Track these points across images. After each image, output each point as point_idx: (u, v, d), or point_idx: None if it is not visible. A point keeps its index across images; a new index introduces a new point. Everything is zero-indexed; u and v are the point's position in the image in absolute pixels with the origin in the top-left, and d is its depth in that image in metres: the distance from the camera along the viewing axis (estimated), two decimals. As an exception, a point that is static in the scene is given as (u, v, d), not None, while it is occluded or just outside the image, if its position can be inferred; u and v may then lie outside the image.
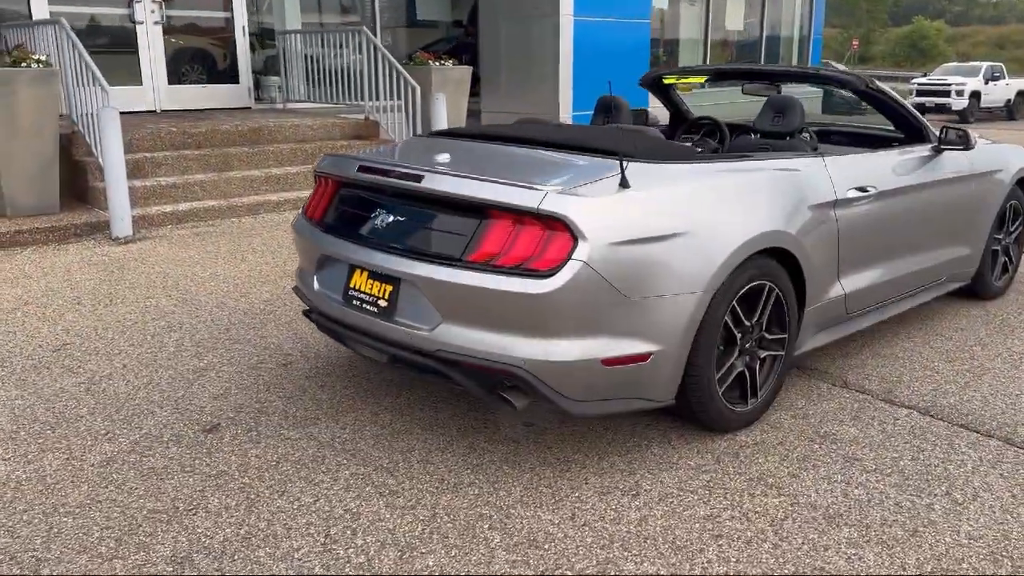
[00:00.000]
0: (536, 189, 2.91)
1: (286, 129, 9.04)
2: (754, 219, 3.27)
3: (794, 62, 19.56)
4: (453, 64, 9.55)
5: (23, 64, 6.90)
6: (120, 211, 6.89)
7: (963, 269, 4.88)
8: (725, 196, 3.24)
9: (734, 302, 3.27)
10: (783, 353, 3.59)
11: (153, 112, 10.12)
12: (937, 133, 4.56)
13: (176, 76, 10.31)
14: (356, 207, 3.44)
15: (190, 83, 10.50)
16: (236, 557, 2.62)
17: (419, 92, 8.97)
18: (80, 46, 7.31)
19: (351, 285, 3.32)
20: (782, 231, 3.38)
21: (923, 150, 4.45)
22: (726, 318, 3.26)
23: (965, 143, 4.41)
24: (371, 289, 3.23)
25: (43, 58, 7.01)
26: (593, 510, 2.88)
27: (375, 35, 12.14)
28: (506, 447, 3.31)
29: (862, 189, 3.89)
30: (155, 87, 10.15)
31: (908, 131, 4.61)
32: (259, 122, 9.09)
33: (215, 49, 10.72)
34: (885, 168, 4.10)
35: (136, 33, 9.96)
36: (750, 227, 3.24)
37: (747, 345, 3.44)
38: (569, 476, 3.10)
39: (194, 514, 2.85)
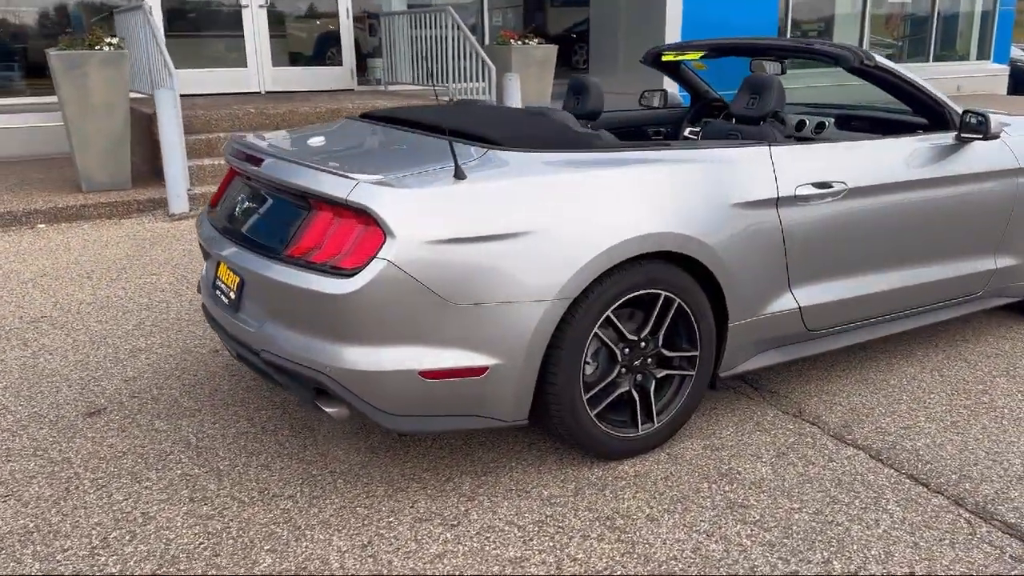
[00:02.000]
0: (348, 178, 2.61)
1: (322, 112, 9.03)
2: (636, 219, 2.81)
3: (975, 41, 17.64)
4: (538, 43, 9.21)
5: (96, 47, 7.22)
6: (176, 188, 7.11)
7: (1013, 283, 4.09)
8: (599, 192, 2.80)
9: (609, 313, 2.83)
10: (693, 373, 3.10)
11: (258, 93, 10.44)
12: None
13: (281, 58, 10.57)
14: (231, 195, 3.27)
15: (294, 65, 10.74)
16: (1, 553, 2.52)
17: (494, 72, 8.71)
18: (158, 29, 7.57)
19: (217, 275, 3.16)
20: (681, 233, 2.89)
21: (941, 139, 3.73)
22: (598, 331, 2.83)
23: (983, 131, 3.65)
24: (227, 281, 3.06)
25: (114, 41, 7.32)
26: (394, 540, 2.58)
27: (485, 14, 11.98)
28: (362, 456, 3.05)
29: (823, 185, 3.29)
30: (260, 69, 10.45)
31: (930, 117, 3.88)
32: (341, 104, 9.15)
33: (319, 31, 10.91)
34: (869, 160, 3.45)
35: (242, 16, 10.27)
36: (627, 228, 2.78)
37: (636, 363, 2.99)
38: (399, 497, 2.80)
39: (4, 501, 2.78)
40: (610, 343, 2.89)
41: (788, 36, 14.73)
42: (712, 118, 4.95)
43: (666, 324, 2.99)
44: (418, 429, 2.70)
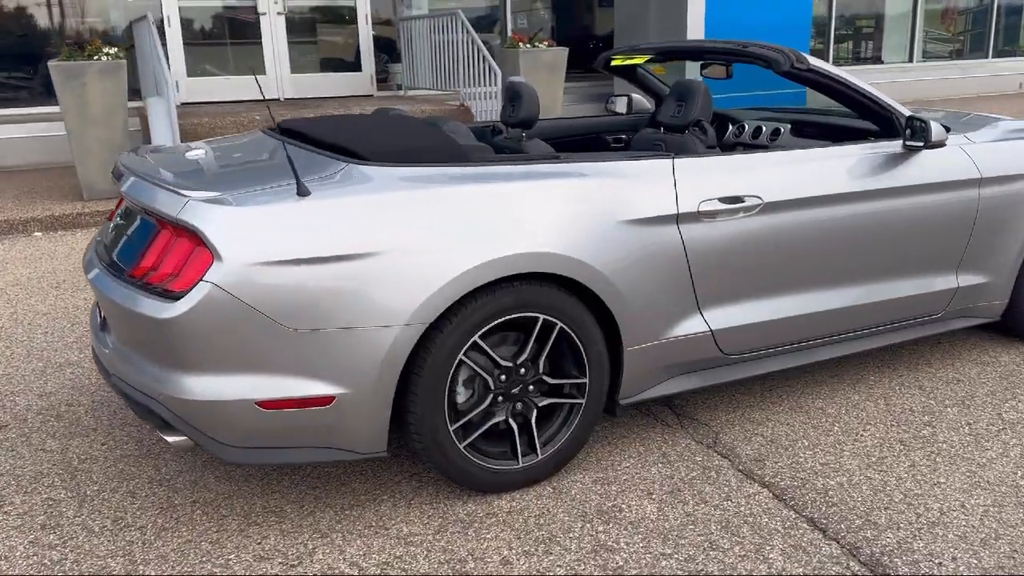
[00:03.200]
0: (181, 195, 2.49)
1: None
2: (504, 238, 2.63)
3: (1039, 35, 16.77)
4: (547, 46, 9.02)
5: (95, 57, 7.30)
6: (169, 197, 7.12)
7: (980, 302, 3.75)
8: (463, 209, 2.62)
9: (476, 338, 2.65)
10: (583, 401, 2.89)
11: (277, 100, 10.49)
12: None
13: (299, 64, 10.59)
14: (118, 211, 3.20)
15: (313, 71, 10.75)
16: None
17: (499, 77, 8.55)
18: (156, 39, 7.62)
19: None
20: (558, 254, 2.69)
21: (886, 147, 3.43)
22: (464, 357, 2.65)
23: (924, 138, 3.34)
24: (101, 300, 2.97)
25: (112, 51, 7.39)
26: (226, 577, 2.44)
27: (507, 16, 11.83)
28: (234, 484, 2.93)
29: (733, 200, 3.05)
30: (278, 76, 10.49)
31: (880, 123, 3.59)
32: (351, 110, 9.10)
33: (338, 37, 10.91)
34: (791, 172, 3.19)
35: (260, 23, 10.32)
36: (493, 247, 2.60)
37: (514, 390, 2.80)
38: (251, 532, 2.67)
39: None
40: (480, 370, 2.70)
41: (833, 35, 14.21)
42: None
43: (547, 350, 2.79)
44: (262, 462, 2.56)
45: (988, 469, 2.94)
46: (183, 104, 9.97)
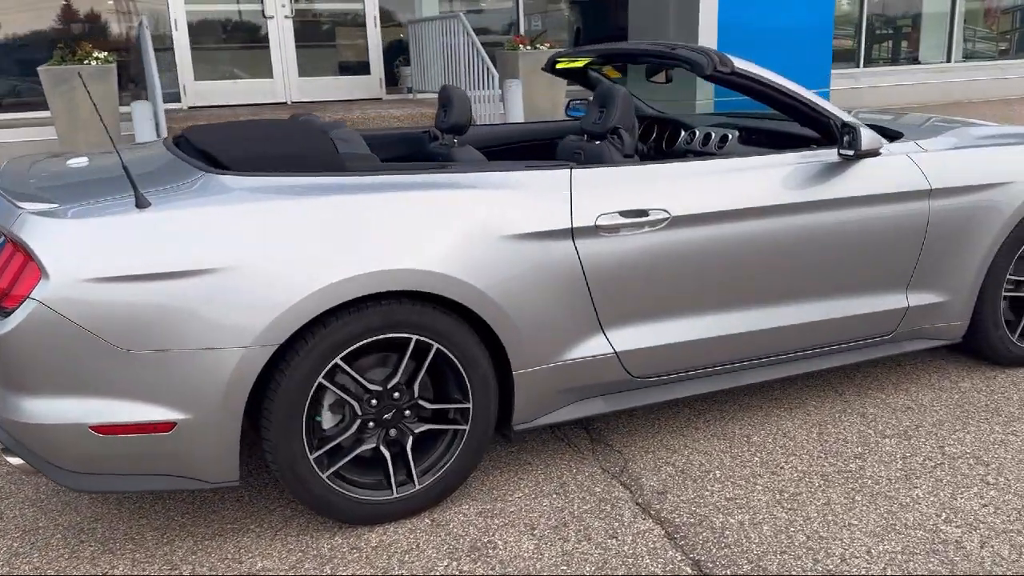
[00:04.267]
0: (16, 208, 2.37)
1: (370, 120, 8.88)
2: (367, 254, 2.46)
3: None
4: (548, 48, 8.82)
5: (85, 61, 7.32)
6: (154, 201, 7.10)
7: (937, 323, 3.47)
8: (321, 223, 2.46)
9: (338, 360, 2.49)
10: (467, 427, 2.71)
11: (284, 104, 10.46)
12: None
13: (307, 68, 10.55)
14: None
15: (321, 75, 10.70)
16: None
17: (496, 80, 8.38)
18: (148, 43, 7.61)
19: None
20: (429, 270, 2.52)
21: (822, 156, 3.18)
22: (323, 380, 2.49)
23: (853, 147, 3.08)
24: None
25: (102, 55, 7.39)
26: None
27: (521, 17, 11.65)
28: (105, 507, 2.81)
29: (636, 213, 2.83)
30: (286, 79, 10.46)
31: (818, 130, 3.34)
32: (353, 113, 9.01)
33: (346, 40, 10.85)
34: (704, 184, 2.96)
35: (267, 27, 10.30)
36: (353, 264, 2.43)
37: (386, 416, 2.62)
38: (103, 560, 2.55)
39: None
40: (345, 395, 2.54)
41: (864, 35, 13.76)
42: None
43: (422, 373, 2.62)
44: (103, 489, 2.43)
45: (910, 510, 2.68)
46: (190, 108, 9.99)
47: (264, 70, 10.38)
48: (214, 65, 10.12)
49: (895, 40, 14.42)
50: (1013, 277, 3.60)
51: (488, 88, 8.71)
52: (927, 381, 3.62)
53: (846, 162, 3.18)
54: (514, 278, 2.65)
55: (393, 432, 2.65)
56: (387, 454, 2.63)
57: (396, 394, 2.62)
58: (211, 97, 10.16)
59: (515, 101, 8.20)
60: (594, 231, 2.77)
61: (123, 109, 8.00)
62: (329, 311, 2.45)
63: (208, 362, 2.33)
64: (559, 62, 4.17)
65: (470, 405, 2.69)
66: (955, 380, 3.62)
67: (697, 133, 4.02)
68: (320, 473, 2.54)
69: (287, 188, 2.50)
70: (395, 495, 2.65)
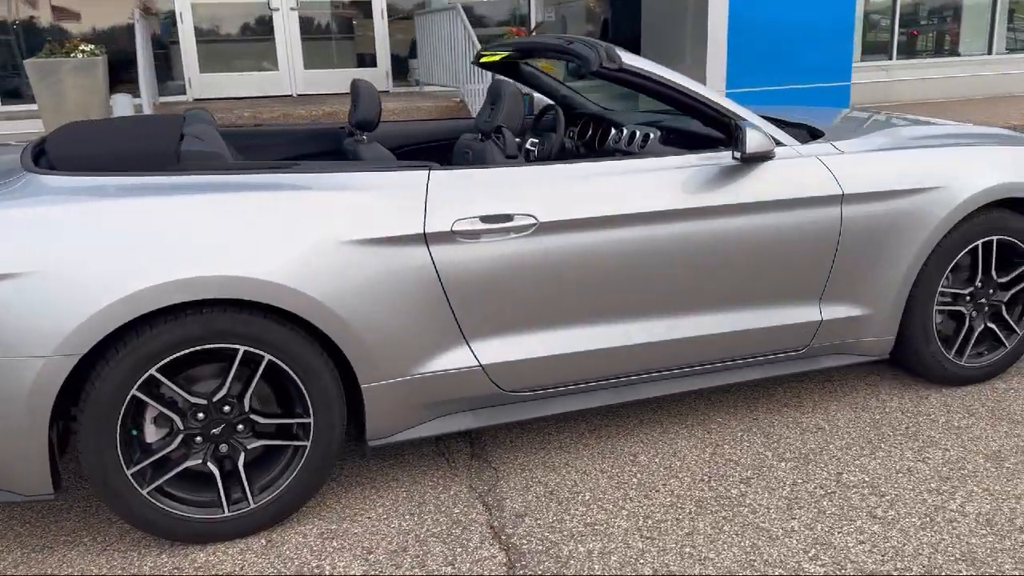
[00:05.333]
0: None
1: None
2: (185, 259, 2.34)
3: None
4: (546, 41, 8.60)
5: (72, 55, 7.35)
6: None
7: (859, 337, 3.23)
8: (138, 226, 2.34)
9: (154, 371, 2.37)
10: (308, 444, 2.57)
11: (290, 96, 10.44)
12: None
13: (313, 61, 10.51)
14: None
15: (327, 67, 10.65)
16: None
17: (490, 73, 8.20)
18: (140, 37, 7.61)
19: None
20: (255, 278, 2.39)
21: (719, 158, 2.97)
22: (137, 392, 2.37)
23: (740, 149, 2.86)
24: None
25: (89, 48, 7.42)
26: None
27: (532, 9, 11.45)
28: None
29: (499, 218, 2.66)
30: (291, 72, 10.43)
31: (721, 130, 3.12)
32: (342, 108, 8.94)
33: (352, 33, 10.78)
34: (578, 187, 2.77)
35: (273, 19, 10.28)
36: (164, 270, 2.32)
37: (213, 431, 2.50)
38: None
39: None
40: (165, 408, 2.42)
41: (897, 27, 13.25)
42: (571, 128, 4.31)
43: (252, 385, 2.49)
44: None
45: (778, 544, 2.47)
46: (196, 100, 10.02)
47: (270, 62, 10.36)
48: (220, 57, 10.13)
49: (932, 31, 13.86)
50: (950, 290, 3.34)
51: (481, 82, 8.55)
52: (852, 399, 3.38)
53: (745, 165, 2.96)
54: (359, 287, 2.51)
55: (224, 448, 2.52)
56: (215, 470, 2.51)
57: (226, 408, 2.49)
58: (217, 89, 10.17)
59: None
60: (451, 237, 2.61)
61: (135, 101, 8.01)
62: (142, 319, 2.33)
63: (8, 371, 2.23)
64: (483, 56, 4.00)
65: (311, 420, 2.55)
66: (883, 399, 3.37)
67: (625, 132, 3.82)
68: (139, 488, 2.42)
69: (110, 188, 2.39)
70: (227, 513, 2.52)
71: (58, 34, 9.33)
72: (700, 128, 3.56)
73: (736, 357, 3.08)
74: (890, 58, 13.43)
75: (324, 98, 9.89)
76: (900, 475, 2.81)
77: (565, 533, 2.55)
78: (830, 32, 10.33)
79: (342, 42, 10.68)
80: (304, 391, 2.52)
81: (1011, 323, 3.45)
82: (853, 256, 3.10)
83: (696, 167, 2.91)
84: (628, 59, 2.96)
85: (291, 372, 2.49)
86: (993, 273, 3.37)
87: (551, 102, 4.43)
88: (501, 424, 2.83)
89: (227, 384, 2.46)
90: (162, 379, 2.39)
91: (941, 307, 3.33)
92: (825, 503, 2.67)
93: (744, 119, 2.98)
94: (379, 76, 10.81)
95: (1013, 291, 3.43)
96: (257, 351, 2.45)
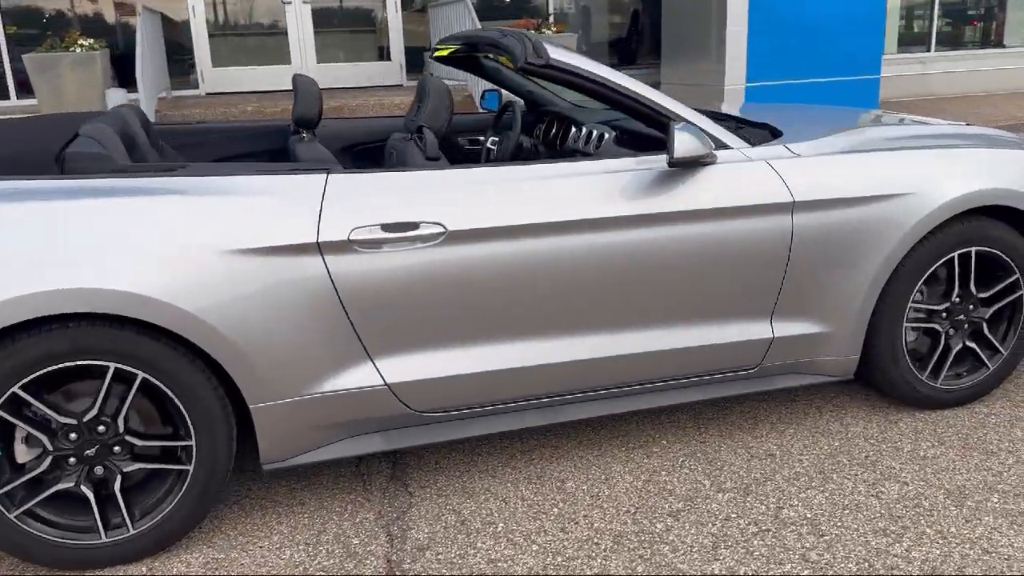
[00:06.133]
0: None
1: (369, 107, 8.65)
2: (44, 270, 2.19)
3: None
4: (555, 32, 8.38)
5: (71, 49, 7.32)
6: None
7: (817, 356, 2.97)
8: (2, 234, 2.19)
9: (16, 389, 2.23)
10: (190, 467, 2.41)
11: (302, 90, 10.30)
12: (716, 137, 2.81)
13: (326, 54, 10.40)
14: None
15: (340, 61, 10.54)
16: None
17: (492, 66, 7.99)
18: (141, 32, 7.54)
19: None
20: (122, 291, 2.22)
21: (652, 163, 2.73)
22: (3, 413, 2.23)
23: (668, 153, 2.61)
24: None
25: (88, 43, 7.38)
26: None
27: (549, 4, 11.20)
28: None
29: (404, 227, 2.46)
30: (304, 66, 10.34)
31: (662, 131, 2.88)
32: (365, 100, 8.82)
33: (366, 26, 10.64)
34: (500, 193, 2.56)
35: (285, 13, 10.20)
36: (22, 283, 2.17)
37: (87, 452, 2.35)
38: None
39: None
40: (31, 428, 2.27)
41: (936, 17, 12.73)
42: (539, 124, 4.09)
43: (127, 405, 2.33)
44: None
45: (692, 589, 2.24)
46: (208, 94, 9.98)
47: (282, 56, 10.28)
48: (232, 52, 10.06)
49: (973, 22, 13.29)
50: (924, 305, 3.05)
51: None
52: (812, 423, 3.12)
53: (684, 170, 2.71)
54: (243, 300, 2.33)
55: (100, 470, 2.37)
56: (89, 494, 2.35)
57: (100, 428, 2.33)
58: (229, 84, 10.12)
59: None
60: (348, 246, 2.41)
61: (131, 96, 7.95)
62: (3, 334, 2.18)
63: None
64: (437, 51, 3.80)
65: (192, 442, 2.38)
66: (847, 423, 3.10)
67: (583, 131, 3.59)
68: (5, 511, 2.28)
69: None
70: (104, 540, 2.37)
71: (68, 27, 9.30)
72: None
73: (678, 376, 2.85)
74: (928, 50, 12.90)
75: (335, 92, 9.77)
76: (846, 512, 2.56)
77: (465, 570, 2.35)
78: (859, 23, 9.92)
79: (356, 35, 10.56)
80: (184, 411, 2.35)
81: (994, 342, 3.16)
82: (807, 269, 2.84)
83: (632, 172, 2.68)
84: (557, 55, 2.73)
85: (168, 391, 2.32)
86: (972, 287, 3.07)
87: (514, 98, 4.21)
88: (423, 446, 2.63)
89: (97, 403, 2.30)
90: (26, 397, 2.23)
91: (914, 324, 3.05)
92: (756, 542, 2.42)
93: (684, 119, 2.74)
94: (393, 69, 10.67)
95: (996, 307, 3.13)
96: (129, 369, 2.28)
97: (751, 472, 2.79)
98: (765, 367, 2.95)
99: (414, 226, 2.46)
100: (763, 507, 2.60)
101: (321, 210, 2.41)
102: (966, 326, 3.13)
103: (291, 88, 10.11)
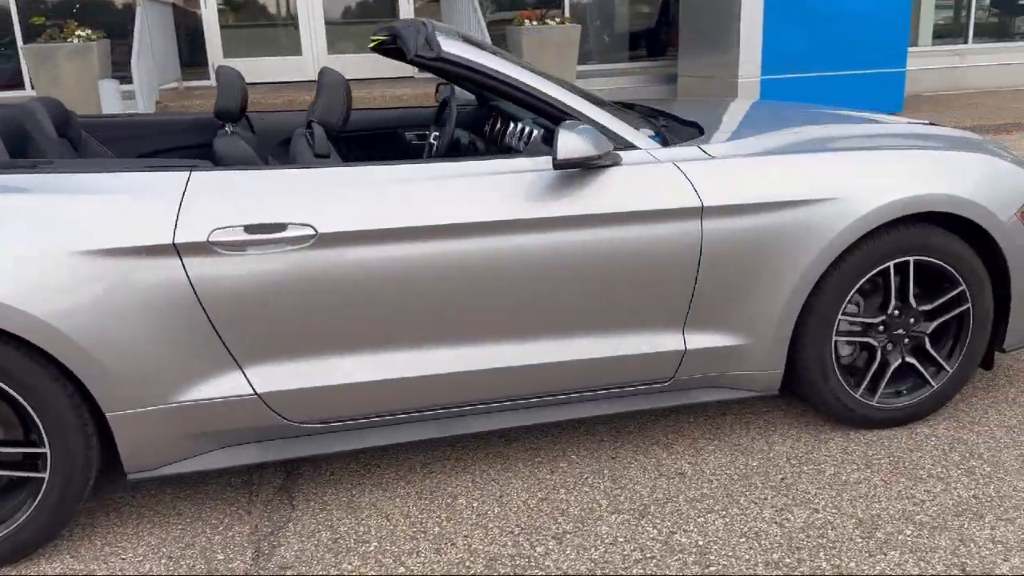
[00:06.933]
0: None
1: (374, 99, 8.58)
2: None
3: None
4: (558, 23, 8.20)
5: (68, 40, 7.35)
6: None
7: (736, 370, 2.80)
8: None
9: None
10: (45, 476, 2.33)
11: (313, 82, 10.31)
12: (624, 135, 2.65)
13: (337, 46, 10.35)
14: None
15: (351, 53, 10.48)
16: None
17: (492, 59, 7.84)
18: (145, 24, 7.56)
19: None
20: (-38, 292, 2.14)
21: (539, 164, 2.57)
22: None
23: (551, 154, 2.45)
24: None
25: (85, 33, 7.40)
26: None
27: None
28: None
29: (271, 228, 2.35)
30: (315, 57, 10.30)
31: (566, 128, 2.71)
32: (373, 92, 8.74)
33: (377, 17, 10.55)
34: (380, 194, 2.43)
35: (296, 4, 10.17)
36: None
37: (-65, 458, 2.28)
38: None
39: None
40: None
41: (974, 8, 12.23)
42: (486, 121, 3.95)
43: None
44: None
45: (550, 623, 2.09)
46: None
47: (293, 47, 10.25)
48: (243, 42, 10.06)
49: (1015, 13, 12.74)
50: (859, 318, 2.85)
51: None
52: (736, 439, 2.93)
53: (584, 171, 2.55)
54: (97, 304, 2.24)
55: (-52, 477, 2.30)
56: (-62, 501, 2.28)
57: (-54, 434, 2.26)
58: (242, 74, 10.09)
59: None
60: (208, 248, 2.30)
61: (126, 87, 7.98)
62: None
63: None
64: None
65: (47, 450, 2.29)
66: (773, 441, 2.92)
67: (518, 127, 3.43)
68: None
69: None
70: (-48, 551, 2.30)
71: (82, 18, 9.36)
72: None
73: (587, 388, 2.69)
74: (965, 42, 12.41)
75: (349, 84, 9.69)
76: (742, 540, 2.38)
77: (320, 592, 2.23)
78: (882, 14, 9.56)
79: (367, 26, 10.47)
80: (36, 419, 2.26)
81: (938, 359, 2.93)
82: (720, 278, 2.65)
83: (525, 172, 2.53)
84: (452, 48, 2.59)
85: (19, 398, 2.24)
86: (912, 300, 2.86)
87: (463, 93, 4.07)
88: (307, 458, 2.52)
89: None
90: None
91: (848, 338, 2.85)
92: (635, 571, 2.26)
93: (585, 116, 2.57)
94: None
95: (939, 321, 2.90)
96: (-25, 373, 2.20)
97: (655, 492, 2.63)
98: (680, 380, 2.77)
99: (281, 227, 2.34)
100: (655, 531, 2.43)
101: (180, 210, 2.30)
102: (906, 341, 2.92)
103: (304, 80, 10.10)
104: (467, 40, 2.76)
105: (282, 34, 10.16)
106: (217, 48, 9.98)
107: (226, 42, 10.02)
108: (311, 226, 2.36)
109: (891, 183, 2.71)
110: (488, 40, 8.03)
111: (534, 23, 8.09)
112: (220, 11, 9.88)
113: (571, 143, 2.39)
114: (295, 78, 10.20)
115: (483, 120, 4.00)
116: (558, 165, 2.42)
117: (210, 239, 2.30)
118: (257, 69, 10.02)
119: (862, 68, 9.60)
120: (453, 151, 3.68)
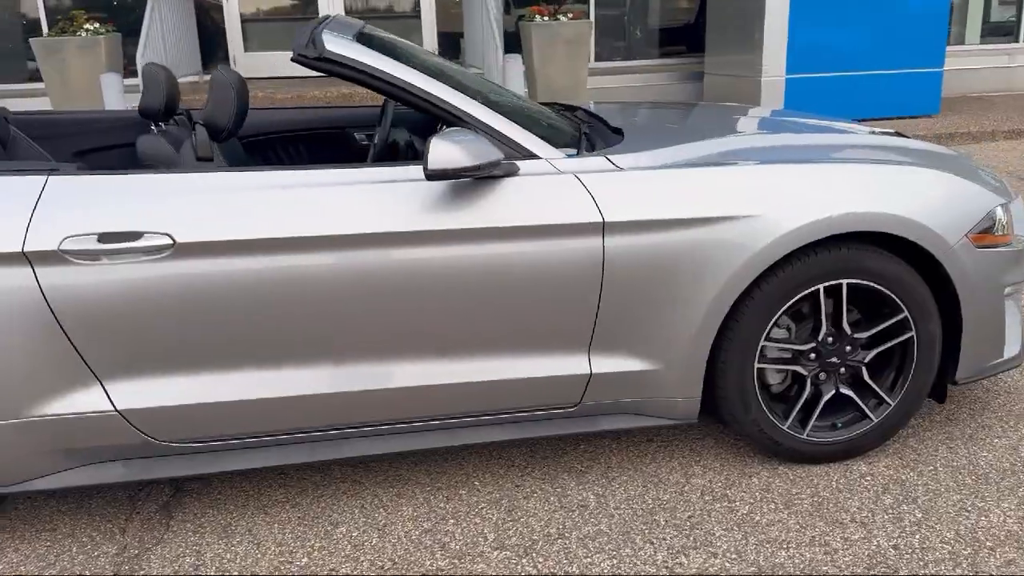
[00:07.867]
0: None
1: (371, 99, 8.51)
2: None
3: None
4: (569, 19, 7.99)
5: (76, 33, 7.40)
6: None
7: (648, 396, 2.60)
8: None
9: None
10: None
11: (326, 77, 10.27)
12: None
13: (356, 40, 10.25)
14: None
15: (371, 47, 10.37)
16: None
17: (500, 52, 7.72)
18: (155, 18, 7.58)
19: None
20: None
21: (415, 172, 2.40)
22: None
23: (423, 164, 2.27)
24: None
25: (92, 27, 7.44)
26: None
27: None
28: None
29: (123, 236, 2.22)
30: (335, 51, 10.22)
31: (466, 134, 2.53)
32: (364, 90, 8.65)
33: (399, 13, 10.47)
34: (240, 201, 2.29)
35: (317, 8, 10.13)
36: None
37: None
38: None
39: None
40: None
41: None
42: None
43: None
44: None
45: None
46: (240, 79, 9.99)
47: (314, 42, 10.17)
48: (264, 37, 10.06)
49: (1071, 10, 12.10)
50: (790, 345, 2.62)
51: (493, 62, 8.06)
52: (653, 469, 2.73)
53: (475, 182, 2.38)
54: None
55: None
56: None
57: None
58: (260, 69, 10.12)
59: (513, 77, 7.48)
60: (60, 257, 2.19)
61: (130, 81, 8.00)
62: None
63: None
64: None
65: None
66: (692, 473, 2.71)
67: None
68: None
69: None
70: None
71: (106, 11, 9.41)
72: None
73: (487, 412, 2.52)
74: (1016, 40, 11.83)
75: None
76: (625, 587, 2.19)
77: (161, 624, 2.10)
78: (918, 11, 9.13)
79: (388, 23, 10.38)
80: None
81: (878, 391, 2.69)
82: (626, 299, 2.46)
83: (406, 182, 2.36)
84: (337, 48, 2.43)
85: None
86: (846, 326, 2.62)
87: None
88: (186, 477, 2.40)
89: None
90: None
91: (775, 365, 2.63)
92: (497, 618, 2.09)
93: (478, 122, 2.40)
94: (425, 56, 10.41)
95: (879, 350, 2.66)
96: None
97: (548, 526, 2.45)
98: (587, 406, 2.58)
99: (136, 236, 2.22)
100: (534, 571, 2.25)
101: (32, 216, 2.19)
102: (842, 371, 2.68)
103: (320, 75, 10.04)
104: (369, 38, 2.60)
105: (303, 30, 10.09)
106: (238, 42, 9.99)
107: (247, 37, 10.03)
108: (169, 235, 2.23)
109: (821, 199, 2.48)
110: (499, 36, 7.87)
111: (545, 19, 7.89)
112: (241, 5, 9.87)
113: (443, 153, 2.22)
114: (313, 74, 10.16)
115: (433, 121, 3.84)
116: (430, 176, 2.25)
117: (61, 247, 2.18)
118: (276, 64, 10.00)
119: (894, 68, 9.20)
120: (390, 153, 3.52)
